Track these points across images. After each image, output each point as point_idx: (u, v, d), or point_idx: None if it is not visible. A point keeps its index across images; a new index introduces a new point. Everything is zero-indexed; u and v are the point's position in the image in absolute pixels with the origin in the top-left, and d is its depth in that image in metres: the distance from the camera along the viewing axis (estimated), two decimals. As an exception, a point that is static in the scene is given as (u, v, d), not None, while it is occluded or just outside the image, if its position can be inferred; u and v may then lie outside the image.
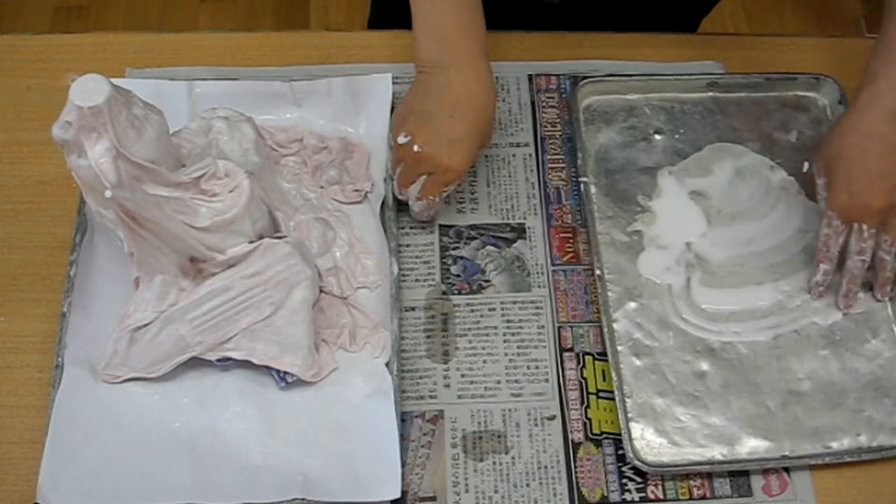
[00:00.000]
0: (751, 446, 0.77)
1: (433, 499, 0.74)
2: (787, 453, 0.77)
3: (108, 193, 0.65)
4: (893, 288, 0.83)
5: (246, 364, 0.76)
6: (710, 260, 0.85)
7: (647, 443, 0.77)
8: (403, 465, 0.74)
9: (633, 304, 0.83)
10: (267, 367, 0.76)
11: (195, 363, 0.76)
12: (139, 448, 0.73)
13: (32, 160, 0.87)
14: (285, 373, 0.76)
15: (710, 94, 0.94)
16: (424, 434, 0.77)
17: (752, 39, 1.02)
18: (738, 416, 0.79)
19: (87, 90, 0.63)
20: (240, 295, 0.74)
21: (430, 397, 0.78)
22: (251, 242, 0.75)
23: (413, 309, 0.82)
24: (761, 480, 0.77)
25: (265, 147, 0.81)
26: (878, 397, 0.80)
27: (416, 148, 0.78)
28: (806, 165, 0.89)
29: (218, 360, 0.76)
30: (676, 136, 0.92)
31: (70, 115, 0.64)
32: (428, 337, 0.81)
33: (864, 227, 0.79)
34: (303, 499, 0.71)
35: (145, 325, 0.75)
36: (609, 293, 0.83)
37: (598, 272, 0.82)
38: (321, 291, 0.79)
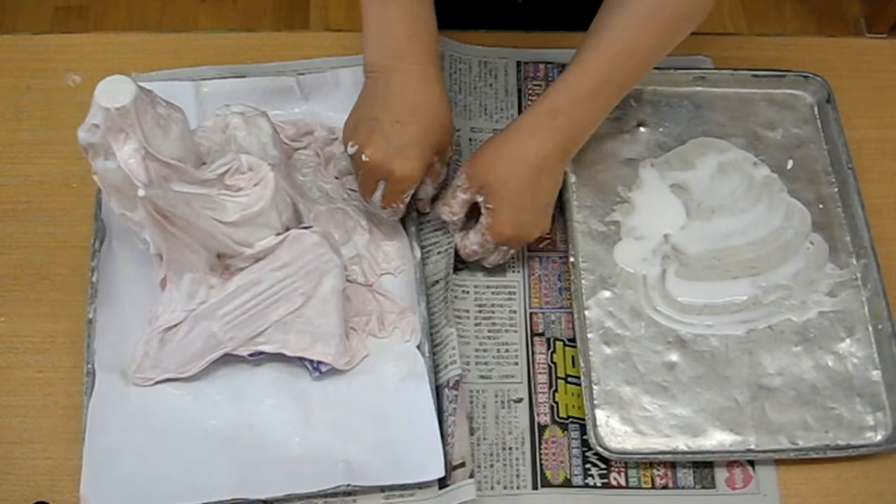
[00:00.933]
0: (716, 439, 0.77)
1: (462, 465, 0.72)
2: (752, 447, 0.77)
3: (141, 192, 0.65)
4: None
5: (277, 357, 0.76)
6: (686, 252, 0.85)
7: (612, 430, 0.77)
8: (444, 442, 0.74)
9: (606, 293, 0.83)
10: (299, 359, 0.76)
11: (226, 360, 0.76)
12: (177, 449, 0.74)
13: (32, 160, 0.87)
14: (318, 362, 0.76)
15: (698, 88, 0.94)
16: (450, 402, 0.76)
17: (751, 39, 1.01)
18: (706, 408, 0.78)
19: (113, 91, 0.63)
20: (270, 288, 0.74)
21: (451, 363, 0.77)
22: (278, 235, 0.75)
23: (437, 283, 0.82)
24: (725, 473, 0.77)
25: (279, 141, 0.81)
26: (849, 396, 0.80)
27: (364, 157, 0.76)
28: (791, 163, 0.90)
29: (250, 355, 0.76)
30: (661, 129, 0.92)
31: (96, 117, 0.64)
32: (445, 304, 0.80)
33: (510, 250, 0.81)
34: (348, 485, 0.72)
35: (175, 325, 0.75)
36: (583, 281, 0.83)
37: (572, 259, 0.83)
38: (346, 280, 0.79)
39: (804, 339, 0.82)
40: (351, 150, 0.77)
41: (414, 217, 0.83)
